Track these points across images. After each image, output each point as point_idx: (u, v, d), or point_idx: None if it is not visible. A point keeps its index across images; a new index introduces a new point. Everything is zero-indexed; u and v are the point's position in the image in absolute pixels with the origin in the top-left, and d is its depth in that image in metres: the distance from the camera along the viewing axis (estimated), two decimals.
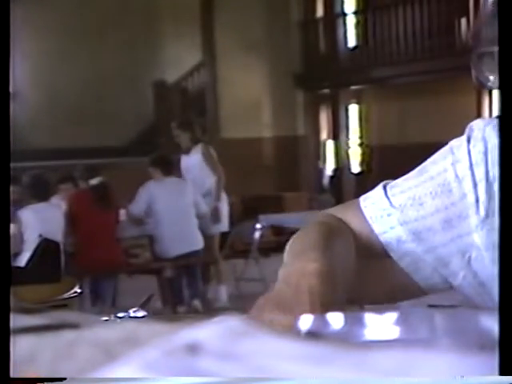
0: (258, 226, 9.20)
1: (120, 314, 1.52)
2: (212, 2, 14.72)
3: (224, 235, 8.76)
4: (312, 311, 0.90)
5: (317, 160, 15.89)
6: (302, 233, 1.14)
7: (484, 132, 1.15)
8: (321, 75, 15.18)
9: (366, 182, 14.37)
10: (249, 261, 9.01)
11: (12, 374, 0.73)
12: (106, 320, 1.42)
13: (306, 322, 0.76)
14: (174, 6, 15.29)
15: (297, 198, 13.43)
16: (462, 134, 1.20)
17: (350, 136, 15.97)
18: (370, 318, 0.74)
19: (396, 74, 13.89)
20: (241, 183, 12.62)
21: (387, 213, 1.18)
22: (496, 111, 0.91)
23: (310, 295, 0.95)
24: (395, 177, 1.26)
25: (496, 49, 0.93)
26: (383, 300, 1.17)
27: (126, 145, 14.92)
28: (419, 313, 0.74)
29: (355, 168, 15.81)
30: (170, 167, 7.70)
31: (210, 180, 8.18)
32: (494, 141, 1.13)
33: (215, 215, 8.06)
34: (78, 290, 1.98)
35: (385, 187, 1.22)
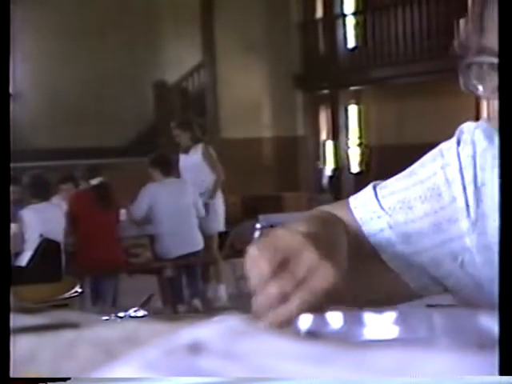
0: (258, 225, 9.20)
1: (120, 314, 1.52)
2: (212, 2, 14.72)
3: (224, 235, 8.76)
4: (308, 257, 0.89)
5: (316, 160, 15.90)
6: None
7: (473, 135, 1.13)
8: (320, 76, 15.18)
9: (365, 181, 14.31)
10: None
11: (12, 374, 0.73)
12: (107, 319, 1.42)
13: (305, 321, 0.76)
14: (174, 5, 15.30)
15: (296, 198, 13.44)
16: None
17: (350, 136, 15.98)
18: (369, 317, 0.74)
19: (395, 74, 13.89)
20: (241, 183, 12.64)
21: (377, 215, 1.18)
22: (494, 112, 0.90)
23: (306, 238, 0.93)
24: None
25: (484, 58, 0.92)
26: (376, 302, 1.17)
27: (126, 145, 14.93)
28: (418, 312, 0.74)
29: (354, 168, 15.82)
30: (169, 167, 7.70)
31: (209, 179, 8.18)
32: (482, 144, 1.12)
33: (206, 211, 8.03)
34: (79, 290, 1.98)
35: (375, 188, 1.22)
